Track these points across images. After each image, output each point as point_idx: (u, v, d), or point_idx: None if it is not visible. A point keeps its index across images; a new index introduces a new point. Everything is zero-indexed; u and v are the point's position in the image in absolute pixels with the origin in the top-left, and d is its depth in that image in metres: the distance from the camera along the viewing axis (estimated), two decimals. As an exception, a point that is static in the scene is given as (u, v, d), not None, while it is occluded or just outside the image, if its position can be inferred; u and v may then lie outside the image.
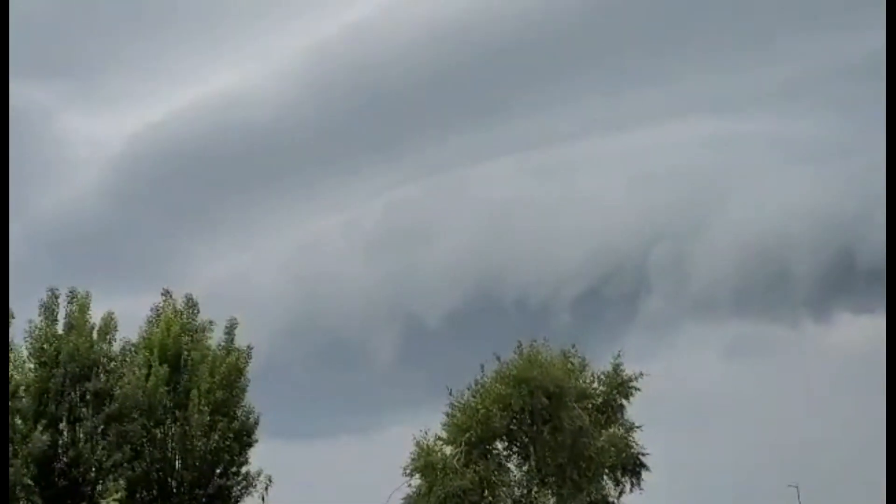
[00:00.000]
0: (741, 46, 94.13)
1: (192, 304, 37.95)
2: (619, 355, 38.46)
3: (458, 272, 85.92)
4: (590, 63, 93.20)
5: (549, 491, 37.23)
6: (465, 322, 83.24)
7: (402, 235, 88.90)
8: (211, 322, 37.80)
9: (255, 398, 37.91)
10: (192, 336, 37.11)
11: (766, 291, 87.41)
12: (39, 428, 33.59)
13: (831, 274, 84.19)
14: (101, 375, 35.20)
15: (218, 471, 36.36)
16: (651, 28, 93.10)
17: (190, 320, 37.62)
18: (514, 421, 37.16)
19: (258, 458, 37.61)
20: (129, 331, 36.93)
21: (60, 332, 35.34)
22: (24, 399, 34.27)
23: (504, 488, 37.07)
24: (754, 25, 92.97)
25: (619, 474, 37.58)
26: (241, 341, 38.13)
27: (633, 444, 37.84)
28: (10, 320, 34.50)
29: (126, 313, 37.57)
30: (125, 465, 34.63)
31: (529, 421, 36.92)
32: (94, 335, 35.62)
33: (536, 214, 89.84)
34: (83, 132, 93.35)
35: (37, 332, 35.08)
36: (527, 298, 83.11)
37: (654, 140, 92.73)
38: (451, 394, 37.50)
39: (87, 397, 34.92)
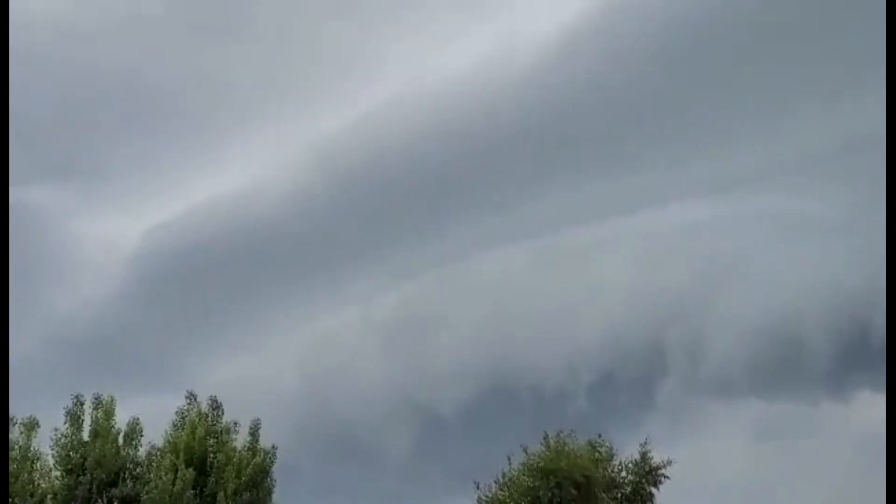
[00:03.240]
0: (744, 125, 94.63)
1: (216, 406, 37.89)
2: (646, 443, 38.30)
3: (472, 362, 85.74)
4: (593, 148, 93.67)
5: (581, 583, 36.89)
6: (480, 412, 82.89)
7: (415, 326, 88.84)
8: (235, 423, 37.72)
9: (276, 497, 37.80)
10: (217, 438, 37.04)
11: (783, 370, 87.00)
12: (67, 536, 33.57)
13: (847, 350, 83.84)
14: (128, 481, 35.18)
15: (246, 573, 36.13)
16: (651, 110, 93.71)
17: (215, 422, 37.56)
18: (544, 513, 36.89)
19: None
20: (150, 432, 37.00)
21: (86, 438, 35.38)
22: (51, 506, 34.28)
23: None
24: (756, 103, 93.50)
25: (649, 563, 37.28)
26: (263, 441, 38.10)
27: (664, 532, 37.56)
28: (36, 428, 34.65)
29: (145, 414, 37.64)
30: (154, 570, 34.46)
31: (559, 513, 36.65)
32: (120, 440, 35.66)
33: (548, 301, 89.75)
34: (96, 233, 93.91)
35: (63, 440, 35.13)
36: (542, 386, 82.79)
37: (662, 222, 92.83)
38: (478, 487, 37.32)
39: (115, 503, 34.82)
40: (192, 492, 35.76)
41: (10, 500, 33.63)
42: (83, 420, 35.67)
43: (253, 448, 37.45)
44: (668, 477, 38.07)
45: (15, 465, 34.12)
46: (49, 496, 34.25)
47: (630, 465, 38.02)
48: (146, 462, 36.11)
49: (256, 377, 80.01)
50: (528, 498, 36.35)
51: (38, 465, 34.84)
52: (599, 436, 38.53)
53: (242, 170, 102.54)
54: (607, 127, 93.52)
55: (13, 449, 34.47)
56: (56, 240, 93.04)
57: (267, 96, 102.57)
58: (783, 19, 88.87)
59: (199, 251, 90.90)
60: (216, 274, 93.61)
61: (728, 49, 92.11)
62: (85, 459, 34.85)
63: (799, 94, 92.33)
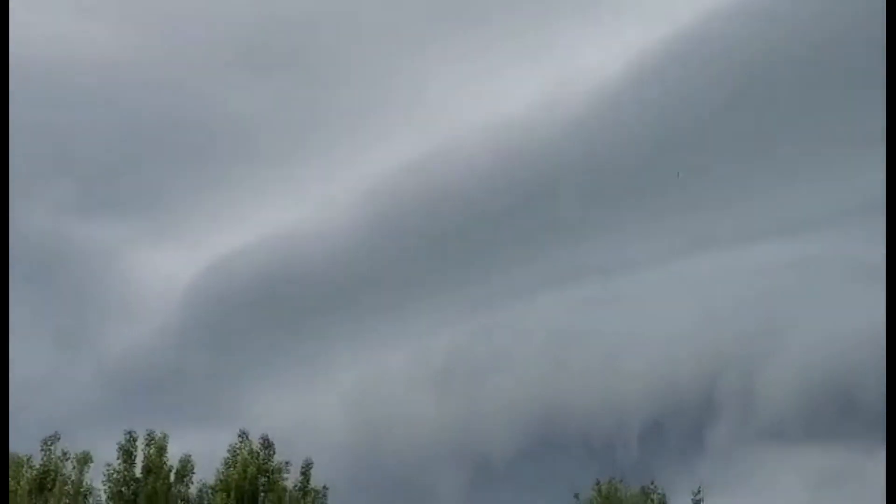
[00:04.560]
0: (807, 168, 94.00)
1: (267, 445, 37.87)
2: (699, 491, 37.91)
3: (523, 406, 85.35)
4: (651, 190, 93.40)
5: None
6: (530, 457, 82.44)
7: (466, 368, 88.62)
8: (287, 463, 37.69)
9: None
10: (268, 477, 37.03)
11: (838, 418, 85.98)
12: (118, 572, 33.67)
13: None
14: (179, 518, 35.24)
15: None
16: (712, 154, 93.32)
17: (266, 461, 37.55)
18: (596, 560, 36.63)
19: None
20: (201, 468, 37.07)
21: (138, 474, 35.48)
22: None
23: None
24: (824, 145, 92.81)
25: None
26: (313, 481, 38.06)
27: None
28: (90, 462, 34.87)
29: (197, 450, 37.72)
30: None
31: (611, 560, 36.37)
32: (172, 477, 35.74)
33: (600, 344, 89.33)
34: (153, 268, 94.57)
35: (115, 476, 35.25)
36: (592, 433, 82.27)
37: (717, 266, 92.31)
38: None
39: (166, 540, 34.93)
40: (242, 530, 35.82)
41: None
42: (136, 456, 35.78)
43: (304, 488, 37.41)
44: (720, 526, 37.70)
45: (68, 500, 34.28)
46: (103, 531, 34.40)
47: (683, 513, 37.70)
48: (197, 499, 36.19)
49: (308, 416, 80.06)
50: (580, 544, 36.14)
51: (91, 500, 34.97)
52: (652, 483, 38.24)
53: (298, 208, 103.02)
54: (664, 171, 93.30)
55: (66, 484, 34.65)
56: (113, 274, 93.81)
57: (323, 133, 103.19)
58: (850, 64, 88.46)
59: (254, 288, 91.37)
60: (271, 310, 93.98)
61: (795, 90, 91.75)
62: (137, 496, 34.96)
63: (869, 137, 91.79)
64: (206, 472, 37.20)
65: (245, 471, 36.90)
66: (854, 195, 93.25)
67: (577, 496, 37.11)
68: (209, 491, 36.56)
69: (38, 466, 35.03)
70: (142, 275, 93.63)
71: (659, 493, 38.05)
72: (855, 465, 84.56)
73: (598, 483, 37.21)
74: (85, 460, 35.28)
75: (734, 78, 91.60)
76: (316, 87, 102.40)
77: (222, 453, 38.07)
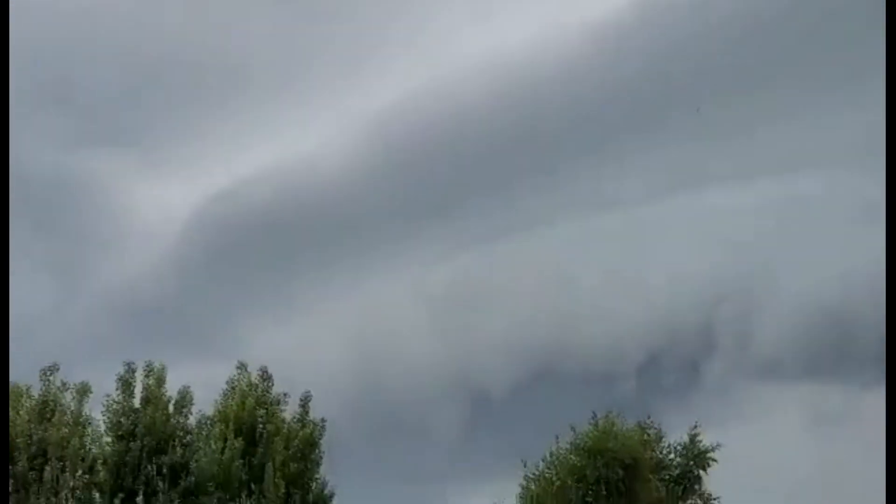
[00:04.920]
0: (804, 105, 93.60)
1: (266, 377, 38.12)
2: (696, 426, 38.18)
3: (522, 340, 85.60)
4: (652, 124, 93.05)
5: (626, 564, 36.87)
6: (527, 393, 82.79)
7: (465, 301, 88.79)
8: (285, 395, 37.93)
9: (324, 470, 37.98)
10: (266, 409, 37.27)
11: (835, 354, 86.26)
12: (117, 502, 33.86)
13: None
14: (178, 449, 35.43)
15: (294, 544, 36.38)
16: (710, 90, 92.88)
17: (265, 393, 37.79)
18: (590, 493, 36.82)
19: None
20: (200, 400, 37.26)
21: (137, 405, 35.67)
22: (101, 473, 34.59)
23: (580, 561, 36.75)
24: (822, 82, 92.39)
25: (696, 547, 37.20)
26: (312, 413, 38.29)
27: (711, 516, 37.47)
28: (89, 393, 35.04)
29: (196, 382, 37.83)
30: (202, 538, 34.77)
31: (605, 493, 36.57)
32: (171, 408, 35.94)
33: (597, 281, 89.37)
34: (152, 200, 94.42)
35: (114, 406, 35.44)
36: (589, 368, 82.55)
37: (717, 202, 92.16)
38: (525, 465, 37.30)
39: (164, 471, 35.11)
40: (240, 461, 36.04)
41: (62, 464, 34.03)
42: (134, 387, 35.95)
43: (302, 420, 37.66)
44: (716, 460, 37.94)
45: (67, 430, 34.48)
46: (100, 461, 34.58)
47: (678, 447, 37.93)
48: (196, 430, 36.43)
49: (307, 349, 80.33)
50: (575, 477, 36.33)
51: (90, 430, 35.19)
52: (648, 417, 38.48)
53: (299, 140, 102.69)
54: (664, 104, 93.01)
55: (65, 414, 34.85)
56: (112, 206, 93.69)
57: (323, 66, 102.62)
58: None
59: (255, 220, 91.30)
60: (272, 243, 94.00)
61: (795, 28, 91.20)
62: (135, 426, 35.14)
63: (870, 74, 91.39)
64: (205, 404, 37.47)
65: (243, 402, 37.14)
66: (854, 133, 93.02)
67: (573, 429, 37.30)
68: (208, 422, 36.80)
69: (37, 396, 35.19)
70: (140, 207, 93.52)
71: (655, 429, 38.30)
72: (851, 402, 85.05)
73: (594, 417, 37.41)
74: (84, 391, 35.43)
75: (734, 16, 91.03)
76: (316, 20, 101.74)
77: (221, 385, 38.32)
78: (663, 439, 38.17)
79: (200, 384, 38.15)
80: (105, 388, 35.62)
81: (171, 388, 36.41)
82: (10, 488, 33.17)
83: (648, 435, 37.83)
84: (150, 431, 35.04)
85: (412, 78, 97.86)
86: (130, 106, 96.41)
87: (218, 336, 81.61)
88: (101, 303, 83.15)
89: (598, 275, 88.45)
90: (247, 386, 37.78)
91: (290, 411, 37.86)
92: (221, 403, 37.49)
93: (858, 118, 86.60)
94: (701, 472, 37.88)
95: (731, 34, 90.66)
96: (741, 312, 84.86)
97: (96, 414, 35.41)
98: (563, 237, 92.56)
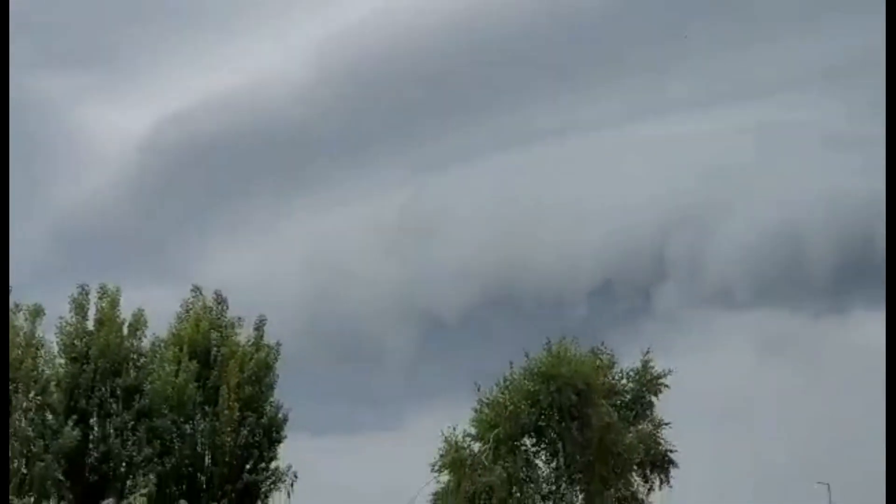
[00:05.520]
0: (759, 36, 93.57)
1: (221, 301, 38.11)
2: (648, 351, 38.49)
3: (475, 267, 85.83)
4: (604, 51, 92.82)
5: (578, 487, 37.23)
6: (481, 317, 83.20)
7: (418, 230, 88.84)
8: (240, 318, 37.97)
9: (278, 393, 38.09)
10: (221, 332, 37.29)
11: (785, 282, 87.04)
12: (70, 423, 33.84)
13: (848, 263, 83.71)
14: (132, 371, 35.45)
15: (247, 466, 36.53)
16: (673, 17, 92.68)
17: (219, 316, 37.78)
18: (543, 417, 37.12)
19: (283, 453, 37.77)
20: (155, 324, 37.19)
21: (91, 327, 35.55)
22: (54, 394, 34.53)
23: (532, 485, 37.06)
24: (776, 14, 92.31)
25: (647, 471, 37.56)
26: (267, 337, 38.33)
27: (662, 440, 37.83)
28: (42, 315, 34.84)
29: (150, 306, 37.73)
30: (155, 460, 34.86)
31: (558, 417, 36.87)
32: (125, 331, 35.84)
33: (551, 207, 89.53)
34: (107, 123, 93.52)
35: (67, 328, 35.31)
36: (542, 293, 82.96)
37: (669, 130, 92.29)
38: (478, 390, 37.47)
39: (118, 393, 35.17)
40: (194, 384, 36.11)
41: (13, 385, 33.88)
42: (88, 309, 35.80)
43: (257, 343, 37.69)
44: (667, 386, 38.30)
45: (19, 352, 34.27)
46: (53, 383, 34.49)
47: (631, 373, 38.24)
48: (150, 353, 36.39)
49: (261, 273, 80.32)
50: (528, 401, 36.56)
51: (43, 352, 35.03)
52: (602, 343, 38.73)
53: (254, 63, 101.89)
54: (619, 31, 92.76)
55: (18, 335, 34.64)
56: (66, 129, 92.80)
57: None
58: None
59: (208, 145, 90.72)
60: (225, 167, 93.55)
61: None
62: (89, 348, 35.06)
63: (820, 6, 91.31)
64: (159, 327, 37.42)
65: (198, 325, 37.13)
66: (812, 61, 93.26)
67: (527, 355, 37.50)
68: (162, 345, 36.76)
69: (-12, 318, 34.97)
70: (95, 130, 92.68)
71: (608, 354, 38.56)
72: (803, 330, 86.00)
73: (548, 342, 37.60)
74: (37, 313, 35.20)
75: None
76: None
77: (175, 308, 38.27)
78: (616, 365, 38.45)
79: (154, 308, 38.10)
80: (58, 311, 35.45)
81: (126, 311, 36.31)
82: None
83: (601, 360, 38.06)
84: (103, 354, 34.98)
85: (366, 3, 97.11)
86: (85, 29, 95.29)
87: (172, 260, 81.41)
88: (55, 226, 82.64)
89: (552, 201, 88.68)
90: (201, 309, 37.74)
91: (244, 335, 37.88)
92: (176, 326, 37.48)
93: (818, 48, 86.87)
94: (653, 397, 38.23)
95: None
96: (694, 240, 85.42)
97: (50, 336, 35.27)
98: (518, 164, 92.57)
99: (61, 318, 35.34)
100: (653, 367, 38.19)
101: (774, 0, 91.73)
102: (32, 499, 33.55)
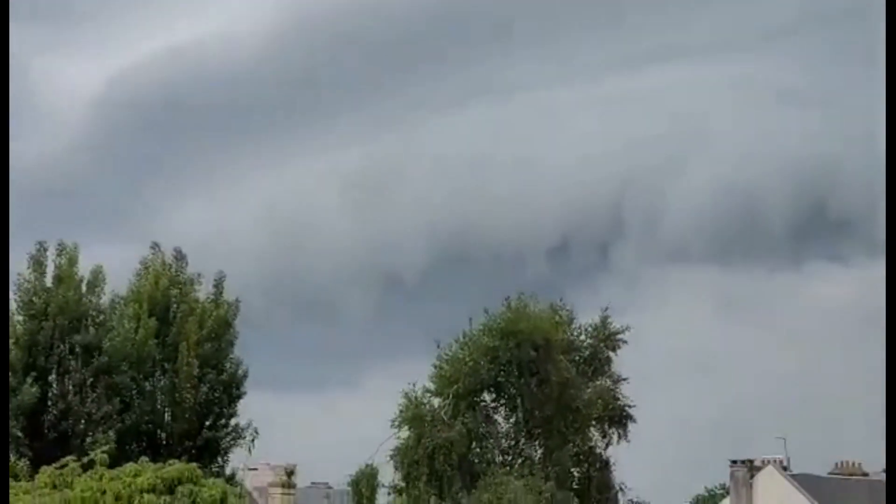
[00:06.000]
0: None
1: (180, 258, 37.97)
2: (606, 308, 38.81)
3: (434, 225, 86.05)
4: (561, 10, 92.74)
5: (537, 442, 37.58)
6: (440, 274, 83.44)
7: (377, 188, 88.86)
8: (199, 275, 37.84)
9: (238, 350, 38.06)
10: (180, 289, 37.16)
11: (741, 239, 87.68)
12: (29, 381, 33.68)
13: (803, 221, 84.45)
14: (90, 328, 35.26)
15: (207, 423, 36.52)
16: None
17: (178, 273, 37.65)
18: (502, 373, 37.41)
19: (243, 410, 37.81)
20: (114, 281, 37.02)
21: (49, 284, 35.35)
22: (13, 351, 34.32)
23: (492, 440, 37.38)
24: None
25: (605, 426, 37.95)
26: (226, 294, 38.21)
27: (620, 396, 38.17)
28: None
29: (109, 263, 37.52)
30: (114, 417, 34.76)
31: (517, 373, 37.15)
32: (83, 288, 35.66)
33: (509, 164, 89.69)
34: (62, 78, 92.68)
35: (26, 286, 35.07)
36: (501, 250, 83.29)
37: (626, 86, 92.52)
38: (438, 346, 37.66)
39: (76, 350, 34.98)
40: (154, 341, 36.01)
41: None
42: (46, 266, 35.57)
43: (216, 300, 37.61)
44: (625, 342, 38.63)
45: (-24, 309, 34.07)
46: (11, 340, 34.29)
47: (589, 328, 38.52)
48: (109, 310, 36.23)
49: (220, 230, 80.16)
50: (488, 357, 36.79)
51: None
52: (560, 299, 39.03)
53: (211, 18, 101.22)
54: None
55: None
56: (17, 83, 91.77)
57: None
58: None
59: (165, 100, 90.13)
60: (181, 124, 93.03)
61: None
62: (47, 305, 34.86)
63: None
64: (118, 284, 37.25)
65: (157, 282, 36.98)
66: (768, 19, 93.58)
67: (486, 311, 37.69)
68: (121, 302, 36.63)
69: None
70: (48, 86, 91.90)
71: (566, 310, 38.84)
72: (758, 285, 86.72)
73: (507, 299, 37.80)
74: (-6, 269, 34.91)
75: None
76: None
77: (134, 266, 38.12)
78: (574, 321, 38.74)
79: (113, 265, 37.94)
80: (16, 268, 35.18)
81: (84, 269, 36.10)
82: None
83: (560, 317, 38.36)
84: (62, 311, 34.77)
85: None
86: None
87: (130, 217, 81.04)
88: (11, 182, 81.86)
89: (510, 159, 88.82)
90: (161, 266, 37.61)
91: (203, 292, 37.81)
92: (135, 284, 37.32)
93: (775, 4, 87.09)
94: (611, 353, 38.59)
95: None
96: (650, 197, 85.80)
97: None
98: (477, 121, 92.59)
99: (19, 275, 35.09)
100: (611, 323, 38.53)
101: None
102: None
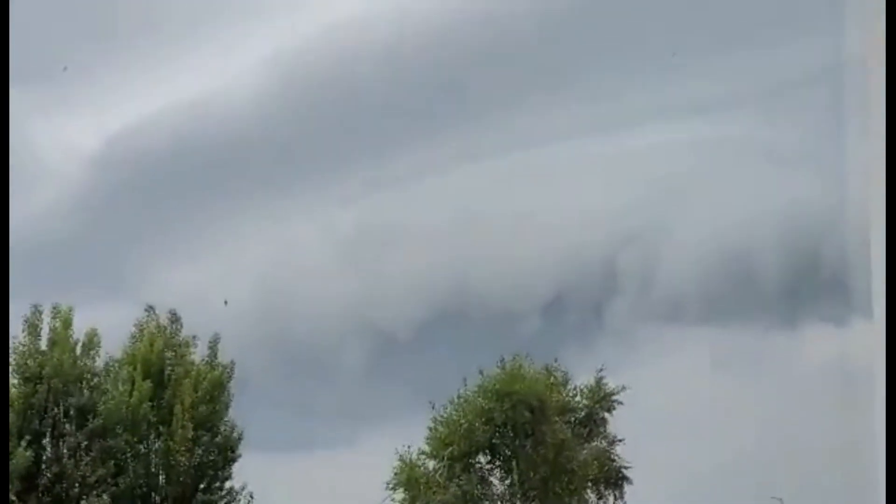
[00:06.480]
0: (707, 52, 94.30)
1: (175, 319, 38.03)
2: (602, 369, 38.82)
3: (429, 282, 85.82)
4: (556, 71, 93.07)
5: (532, 504, 37.45)
6: (434, 332, 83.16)
7: (373, 246, 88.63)
8: (194, 337, 37.89)
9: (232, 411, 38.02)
10: (175, 351, 37.20)
11: (736, 298, 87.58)
12: (23, 444, 33.65)
13: (798, 280, 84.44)
14: (85, 391, 35.30)
15: (202, 486, 36.45)
16: (614, 36, 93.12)
17: (173, 336, 37.69)
18: (497, 435, 37.32)
19: (238, 472, 37.70)
20: (108, 343, 37.04)
21: (44, 347, 35.41)
22: (8, 416, 34.30)
23: (487, 502, 37.24)
24: (721, 30, 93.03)
25: (601, 488, 37.85)
26: (221, 355, 38.28)
27: (616, 457, 38.11)
28: None
29: (103, 325, 37.54)
30: (109, 480, 34.69)
31: (512, 435, 37.09)
32: (78, 350, 35.74)
33: (504, 221, 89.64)
34: (57, 137, 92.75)
35: (21, 349, 35.16)
36: (494, 307, 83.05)
37: (622, 145, 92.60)
38: (433, 407, 37.63)
39: (71, 413, 34.99)
40: (148, 404, 35.98)
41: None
42: (41, 329, 35.67)
43: (211, 362, 37.64)
44: (621, 402, 38.60)
45: (-30, 373, 34.07)
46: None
47: (584, 390, 38.51)
48: (103, 373, 36.28)
49: (215, 289, 79.92)
50: (483, 419, 36.74)
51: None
52: (555, 360, 39.03)
53: (206, 77, 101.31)
54: (570, 50, 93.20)
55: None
56: (15, 143, 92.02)
57: (227, 6, 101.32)
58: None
59: (160, 159, 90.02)
60: (177, 182, 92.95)
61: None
62: (42, 368, 34.92)
63: (761, 24, 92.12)
64: (112, 346, 37.28)
65: (152, 345, 37.01)
66: (761, 77, 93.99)
67: (481, 372, 37.69)
68: (116, 364, 36.66)
69: (-60, 338, 34.74)
70: (44, 144, 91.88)
71: (562, 371, 38.84)
72: (753, 345, 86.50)
73: (502, 359, 37.81)
74: (-10, 333, 34.98)
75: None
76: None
77: (129, 327, 38.12)
78: (569, 382, 38.73)
79: (107, 327, 37.94)
80: (11, 331, 35.20)
81: (78, 331, 36.20)
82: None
83: (555, 378, 38.35)
84: (57, 374, 34.85)
85: (325, 14, 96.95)
86: (36, 42, 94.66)
87: (124, 277, 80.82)
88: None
89: (504, 216, 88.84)
90: (155, 328, 37.66)
91: (198, 354, 37.85)
92: (130, 346, 37.36)
93: (768, 64, 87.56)
94: (606, 414, 38.55)
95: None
96: (645, 255, 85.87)
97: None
98: (470, 178, 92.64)
99: (14, 338, 35.16)
100: (606, 384, 38.53)
101: (725, 17, 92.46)
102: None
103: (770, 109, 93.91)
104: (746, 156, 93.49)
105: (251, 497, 37.14)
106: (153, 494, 36.09)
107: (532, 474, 36.97)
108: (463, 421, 36.82)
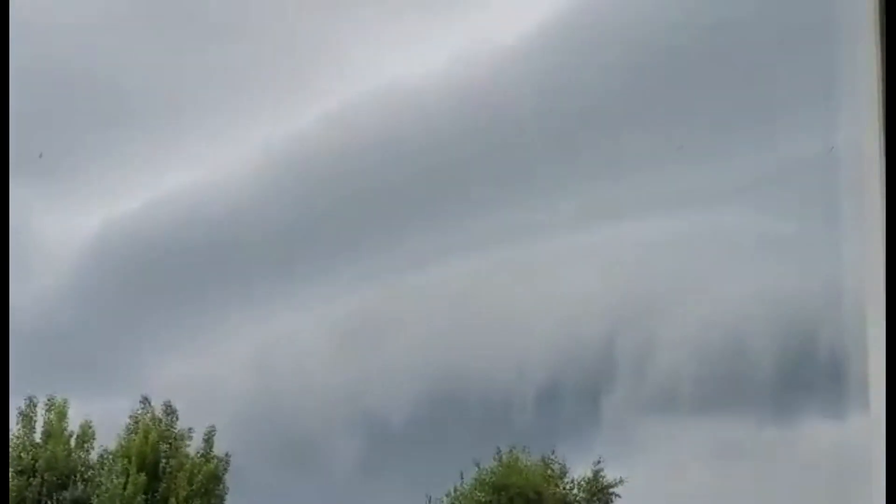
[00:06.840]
0: (701, 141, 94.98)
1: (170, 412, 37.92)
2: (599, 461, 38.63)
3: (425, 372, 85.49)
4: (550, 163, 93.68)
5: None
6: (428, 424, 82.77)
7: (368, 336, 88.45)
8: (190, 430, 37.75)
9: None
10: (170, 444, 37.03)
11: (732, 390, 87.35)
12: (17, 538, 33.45)
13: (795, 370, 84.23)
14: (79, 484, 35.07)
15: (196, 581, 36.13)
16: (610, 126, 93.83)
17: (168, 428, 37.54)
18: (494, 528, 37.06)
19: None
20: (102, 433, 36.87)
21: (38, 440, 35.24)
22: (1, 509, 34.08)
23: None
24: (712, 119, 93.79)
25: (599, 582, 37.55)
26: (216, 448, 38.12)
27: (614, 551, 37.85)
28: None
29: (97, 415, 37.47)
30: (102, 575, 34.39)
31: (509, 528, 36.83)
32: (72, 443, 35.57)
33: (499, 311, 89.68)
34: (48, 232, 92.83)
35: (14, 441, 34.96)
36: (490, 398, 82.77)
37: (617, 237, 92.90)
38: (430, 502, 37.46)
39: (65, 506, 34.77)
40: (143, 497, 35.72)
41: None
42: (35, 422, 35.53)
43: (206, 455, 37.46)
44: (618, 496, 38.40)
45: (-37, 467, 33.89)
46: (-2, 498, 34.03)
47: (582, 482, 38.30)
48: (98, 466, 36.06)
49: (210, 379, 79.66)
50: (479, 513, 36.54)
51: (-13, 467, 34.60)
52: (553, 452, 38.87)
53: (201, 167, 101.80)
54: (565, 142, 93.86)
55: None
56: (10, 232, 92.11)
57: (225, 93, 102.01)
58: (738, 38, 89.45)
59: (156, 248, 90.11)
60: (173, 272, 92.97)
61: (687, 62, 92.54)
62: (36, 461, 34.73)
63: (755, 111, 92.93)
64: (107, 439, 37.09)
65: (147, 437, 36.82)
66: (747, 167, 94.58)
67: (477, 465, 37.57)
68: (110, 457, 36.45)
69: (-67, 431, 34.55)
70: (35, 239, 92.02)
71: (559, 463, 38.67)
72: (750, 438, 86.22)
73: (499, 451, 37.70)
74: (-17, 425, 34.82)
75: (639, 51, 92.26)
76: (219, 45, 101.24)
77: (123, 420, 37.97)
78: (567, 474, 38.54)
79: (102, 418, 37.80)
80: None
81: (72, 423, 36.07)
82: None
83: (552, 470, 38.20)
84: (51, 467, 34.65)
85: (322, 103, 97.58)
86: (31, 132, 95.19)
87: (118, 370, 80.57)
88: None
89: (499, 305, 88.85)
90: (150, 421, 37.51)
91: (193, 446, 37.66)
92: (124, 438, 37.18)
93: (762, 155, 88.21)
94: (604, 507, 38.34)
95: (641, 64, 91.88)
96: (640, 345, 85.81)
97: (-4, 448, 34.81)
98: (465, 268, 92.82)
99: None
100: (603, 477, 38.35)
101: (716, 105, 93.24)
102: None
103: (765, 197, 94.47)
104: (736, 246, 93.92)
105: (246, 593, 36.75)
106: (147, 590, 35.75)
107: (529, 568, 36.67)
108: (460, 514, 36.62)
